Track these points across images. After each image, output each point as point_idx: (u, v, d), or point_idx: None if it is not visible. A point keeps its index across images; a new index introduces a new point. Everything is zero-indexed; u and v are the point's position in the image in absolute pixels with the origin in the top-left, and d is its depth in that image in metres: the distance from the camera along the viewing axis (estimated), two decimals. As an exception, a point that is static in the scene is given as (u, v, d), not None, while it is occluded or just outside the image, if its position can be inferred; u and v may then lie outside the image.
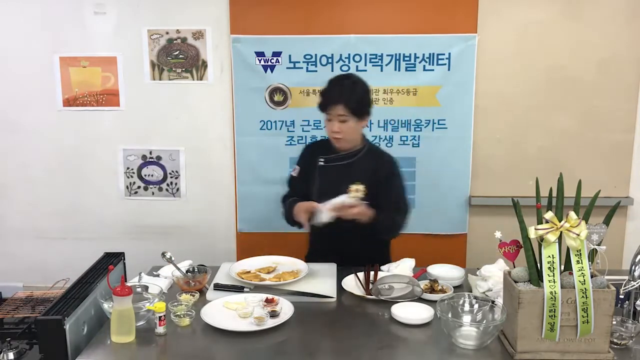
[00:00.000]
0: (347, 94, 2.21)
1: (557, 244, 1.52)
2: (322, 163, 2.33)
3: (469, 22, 3.06)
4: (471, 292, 1.98)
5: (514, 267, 1.63)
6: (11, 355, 1.64)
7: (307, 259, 2.33)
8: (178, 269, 2.06)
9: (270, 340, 1.66)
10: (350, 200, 2.11)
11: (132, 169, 3.33)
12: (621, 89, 3.12)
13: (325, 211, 2.11)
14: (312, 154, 2.38)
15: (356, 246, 2.24)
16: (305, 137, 3.21)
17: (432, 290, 1.95)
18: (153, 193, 3.35)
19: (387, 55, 3.11)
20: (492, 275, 1.96)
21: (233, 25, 3.12)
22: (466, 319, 1.68)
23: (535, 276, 1.56)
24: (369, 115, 2.30)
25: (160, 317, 1.66)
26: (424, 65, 3.11)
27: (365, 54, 3.11)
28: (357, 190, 2.19)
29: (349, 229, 2.17)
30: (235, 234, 3.35)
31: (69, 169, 3.33)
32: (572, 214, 1.53)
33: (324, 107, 2.25)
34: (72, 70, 3.22)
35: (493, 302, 1.68)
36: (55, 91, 3.24)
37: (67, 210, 3.37)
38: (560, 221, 1.52)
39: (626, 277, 1.74)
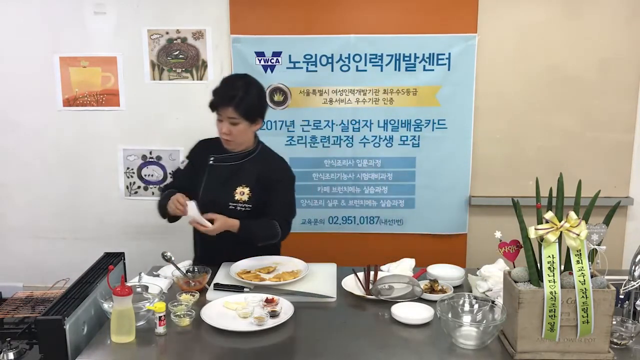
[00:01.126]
0: (239, 97, 2.14)
1: (557, 244, 1.52)
2: (212, 162, 2.29)
3: (469, 22, 3.06)
4: (471, 292, 1.97)
5: (514, 267, 1.63)
6: (11, 355, 1.64)
7: (195, 262, 2.31)
8: (178, 269, 2.06)
9: (270, 340, 1.66)
10: (199, 220, 2.08)
11: (132, 169, 3.33)
12: (621, 89, 3.12)
13: (192, 211, 2.09)
14: (204, 151, 2.33)
15: (241, 250, 2.22)
16: (305, 137, 3.22)
17: (432, 290, 1.95)
18: (153, 193, 3.34)
19: (387, 55, 3.11)
20: (492, 275, 1.96)
21: (233, 25, 3.12)
22: (466, 319, 1.68)
23: (535, 276, 1.56)
24: (262, 119, 2.25)
25: (160, 317, 1.66)
26: (424, 65, 3.11)
27: (365, 54, 3.11)
28: (242, 192, 2.23)
29: (227, 235, 2.15)
30: (235, 234, 3.35)
31: (69, 169, 3.33)
32: (572, 214, 1.53)
33: (214, 107, 2.19)
34: (72, 70, 3.22)
35: (493, 302, 1.67)
36: (55, 91, 3.23)
37: (67, 210, 3.37)
38: (560, 221, 1.52)
39: (626, 277, 1.74)
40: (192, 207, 2.09)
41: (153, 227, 3.36)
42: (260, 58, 3.13)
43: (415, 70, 3.12)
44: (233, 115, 2.15)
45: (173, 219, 2.24)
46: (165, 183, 2.38)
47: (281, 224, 2.27)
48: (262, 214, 2.24)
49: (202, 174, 2.30)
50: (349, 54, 3.11)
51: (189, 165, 2.34)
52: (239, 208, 2.24)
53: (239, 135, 2.21)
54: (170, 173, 2.37)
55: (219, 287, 2.00)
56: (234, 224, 2.16)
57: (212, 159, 2.29)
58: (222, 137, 2.22)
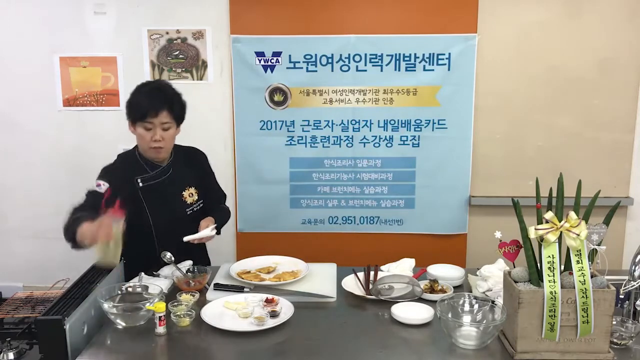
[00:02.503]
0: (170, 99, 2.11)
1: (557, 244, 1.52)
2: (141, 184, 2.16)
3: (469, 22, 3.06)
4: (471, 292, 1.97)
5: (514, 267, 1.63)
6: (11, 355, 1.64)
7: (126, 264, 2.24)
8: (178, 269, 2.06)
9: (270, 340, 1.66)
10: (210, 233, 2.11)
11: (132, 169, 3.32)
12: (621, 89, 3.12)
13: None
14: (124, 174, 2.16)
15: (174, 249, 2.14)
16: (305, 137, 3.22)
17: (432, 290, 1.95)
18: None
19: (387, 55, 3.11)
20: (492, 275, 1.95)
21: (233, 25, 3.12)
22: (466, 319, 1.68)
23: (535, 276, 1.56)
24: (183, 122, 2.21)
25: (160, 317, 1.66)
26: (424, 65, 3.11)
27: (365, 54, 3.11)
28: (190, 194, 2.25)
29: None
30: (235, 234, 3.35)
31: (69, 169, 3.32)
32: (572, 214, 1.52)
33: (143, 115, 2.07)
34: (72, 70, 3.22)
35: (493, 302, 1.67)
36: (55, 91, 3.24)
37: (67, 210, 3.36)
38: (560, 221, 1.52)
39: (626, 277, 1.74)
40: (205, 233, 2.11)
41: (153, 227, 3.36)
42: (260, 58, 3.14)
43: (415, 70, 3.12)
44: (167, 119, 2.10)
45: (78, 245, 1.97)
46: (78, 205, 2.15)
47: (224, 204, 2.46)
48: (210, 202, 2.36)
49: (132, 196, 2.14)
50: (349, 54, 3.11)
51: (110, 190, 2.10)
52: (195, 209, 2.29)
53: (170, 141, 2.16)
54: (88, 198, 2.16)
55: (219, 287, 2.00)
56: (212, 221, 2.22)
57: (139, 181, 2.16)
58: (154, 145, 2.11)
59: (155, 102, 2.09)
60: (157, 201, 2.20)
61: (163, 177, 2.21)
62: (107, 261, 1.85)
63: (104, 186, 2.10)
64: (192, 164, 2.34)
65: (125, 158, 2.25)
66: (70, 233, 1.96)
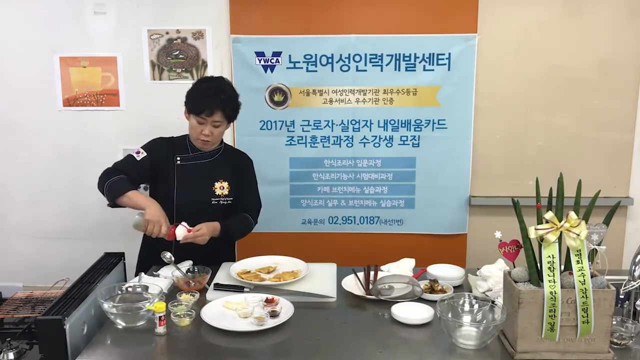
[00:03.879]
0: (227, 101, 2.20)
1: (557, 244, 1.52)
2: (179, 162, 2.29)
3: (469, 22, 3.06)
4: (471, 292, 1.98)
5: (514, 267, 1.63)
6: (11, 355, 1.64)
7: (140, 262, 2.34)
8: (178, 269, 2.06)
9: (270, 340, 1.66)
10: (191, 237, 2.13)
11: (132, 169, 3.32)
12: (621, 89, 3.12)
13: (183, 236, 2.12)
14: (165, 150, 2.30)
15: (196, 247, 2.19)
16: (305, 137, 3.22)
17: (432, 290, 1.95)
18: (153, 193, 3.34)
19: (387, 55, 3.11)
20: (492, 275, 1.96)
21: (233, 25, 3.12)
22: (466, 319, 1.68)
23: (535, 276, 1.56)
24: (234, 120, 2.32)
25: (160, 317, 1.66)
26: (424, 65, 3.11)
27: (365, 54, 3.11)
28: (221, 187, 2.29)
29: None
30: (235, 234, 3.35)
31: (69, 169, 3.32)
32: (572, 214, 1.52)
33: (198, 112, 2.17)
34: (72, 70, 3.22)
35: (493, 302, 1.67)
36: (55, 91, 3.23)
37: (67, 210, 3.37)
38: (560, 221, 1.52)
39: (626, 277, 1.74)
40: (181, 231, 2.11)
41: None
42: (260, 58, 3.14)
43: (415, 70, 3.11)
44: (219, 119, 2.20)
45: (116, 205, 2.21)
46: (114, 164, 2.28)
47: (253, 215, 2.39)
48: (238, 206, 2.34)
49: (166, 173, 2.29)
50: (349, 54, 3.11)
51: (147, 160, 2.27)
52: (221, 202, 2.31)
53: (218, 136, 2.27)
54: (124, 159, 2.30)
55: (219, 287, 2.00)
56: (215, 227, 2.22)
57: (178, 159, 2.29)
58: (202, 138, 2.23)
59: (212, 103, 2.17)
60: (188, 181, 2.28)
61: (200, 161, 2.29)
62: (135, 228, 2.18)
63: (142, 154, 2.27)
64: (235, 163, 2.38)
65: (176, 138, 2.36)
66: (112, 193, 2.16)
